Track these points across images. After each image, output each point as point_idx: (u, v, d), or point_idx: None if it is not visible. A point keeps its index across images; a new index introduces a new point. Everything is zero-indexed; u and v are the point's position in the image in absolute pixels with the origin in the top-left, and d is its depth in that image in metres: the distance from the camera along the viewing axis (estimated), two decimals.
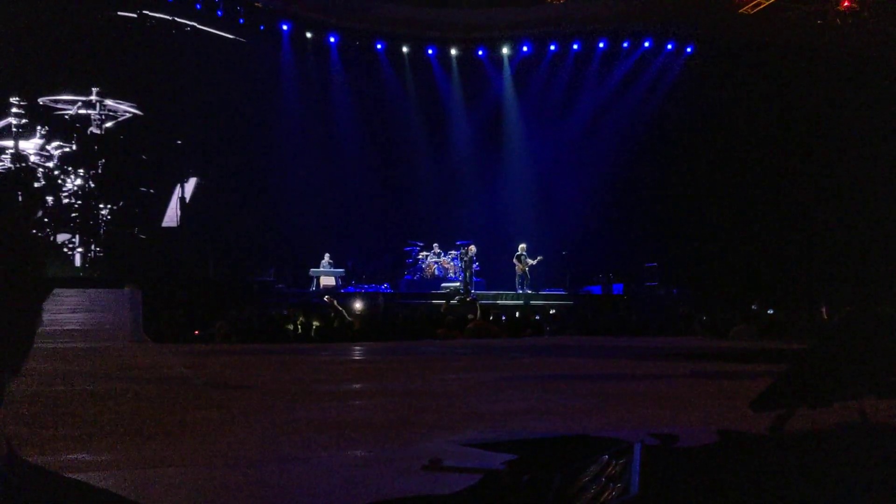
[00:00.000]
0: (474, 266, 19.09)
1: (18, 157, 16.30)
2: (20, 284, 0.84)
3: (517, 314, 14.30)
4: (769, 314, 13.66)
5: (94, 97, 17.19)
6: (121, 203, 17.59)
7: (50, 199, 16.59)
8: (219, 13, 19.93)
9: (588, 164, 21.85)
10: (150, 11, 18.78)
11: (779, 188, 20.09)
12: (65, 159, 16.93)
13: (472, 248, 18.97)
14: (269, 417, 3.40)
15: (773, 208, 20.26)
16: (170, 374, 5.25)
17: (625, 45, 22.59)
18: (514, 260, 19.21)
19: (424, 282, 19.76)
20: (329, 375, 5.49)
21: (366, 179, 21.67)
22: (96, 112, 17.28)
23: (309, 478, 2.29)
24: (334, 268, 19.42)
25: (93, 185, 17.12)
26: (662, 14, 22.07)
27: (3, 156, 16.42)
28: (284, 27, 21.28)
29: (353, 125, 22.03)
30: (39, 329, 0.88)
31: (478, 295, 17.53)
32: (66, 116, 17.22)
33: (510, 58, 22.94)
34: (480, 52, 22.88)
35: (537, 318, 14.07)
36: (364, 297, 16.42)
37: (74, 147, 17.02)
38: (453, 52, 22.59)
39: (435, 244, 20.23)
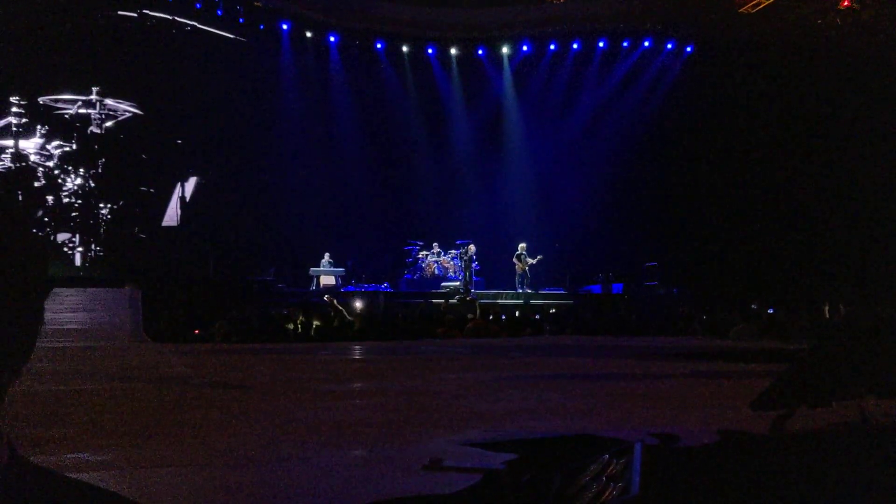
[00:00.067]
0: (474, 265, 19.09)
1: (18, 156, 16.30)
2: (21, 284, 0.83)
3: (517, 313, 14.30)
4: (769, 314, 13.66)
5: (94, 97, 17.20)
6: (121, 202, 17.60)
7: (50, 198, 16.61)
8: (219, 12, 19.91)
9: (588, 164, 21.84)
10: (150, 11, 18.77)
11: (779, 188, 20.09)
12: (65, 159, 16.94)
13: (472, 248, 18.96)
14: (269, 417, 3.40)
15: (773, 208, 20.26)
16: (170, 373, 5.25)
17: (625, 44, 22.58)
18: (514, 259, 19.21)
19: (424, 281, 19.75)
20: (329, 375, 5.49)
21: (366, 179, 21.65)
22: (96, 111, 17.29)
23: (309, 478, 2.29)
24: (334, 267, 19.42)
25: (93, 185, 17.13)
26: (662, 14, 22.07)
27: (3, 155, 16.43)
28: (284, 27, 21.26)
29: (353, 125, 22.01)
30: (41, 328, 0.88)
31: (477, 294, 17.53)
32: (66, 116, 17.23)
33: (510, 57, 22.93)
34: (480, 52, 22.87)
35: (537, 317, 14.07)
36: (364, 296, 16.42)
37: (74, 146, 17.03)
38: (453, 51, 22.59)
39: (435, 243, 20.23)
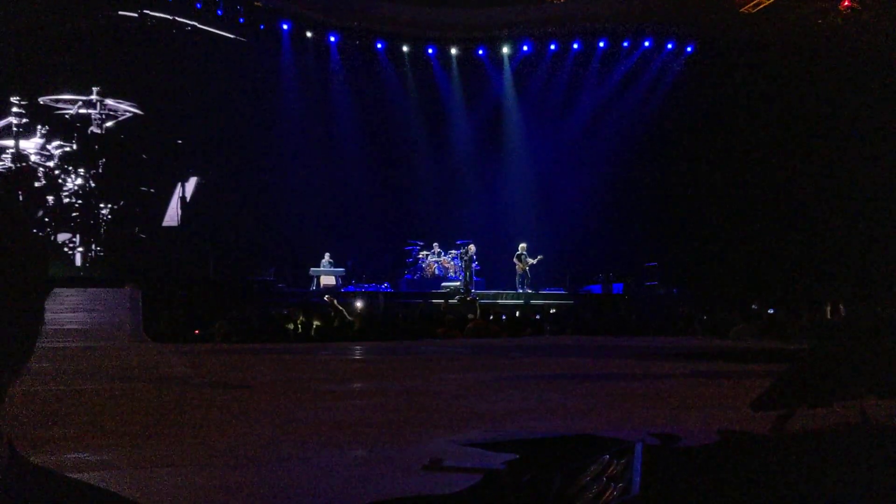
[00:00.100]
0: (474, 265, 19.08)
1: (19, 156, 16.30)
2: (21, 284, 0.83)
3: (517, 313, 14.30)
4: (769, 314, 13.65)
5: (94, 97, 17.20)
6: (121, 202, 17.60)
7: (50, 198, 16.61)
8: (219, 12, 19.92)
9: (588, 163, 21.85)
10: (150, 11, 18.77)
11: (779, 188, 20.09)
12: (65, 159, 16.94)
13: (472, 248, 18.95)
14: (269, 417, 3.40)
15: (773, 208, 20.26)
16: (170, 373, 5.25)
17: (625, 44, 22.58)
18: (515, 259, 19.21)
19: (424, 281, 19.76)
20: (329, 375, 5.49)
21: (366, 179, 21.65)
22: (96, 112, 17.30)
23: (309, 478, 2.29)
24: (334, 267, 19.43)
25: (93, 185, 17.13)
26: (662, 14, 22.06)
27: (4, 155, 16.43)
28: (284, 26, 21.27)
29: (353, 125, 22.01)
30: (42, 328, 0.88)
31: (477, 294, 17.53)
32: (67, 116, 17.23)
33: (510, 57, 22.93)
34: (480, 52, 22.87)
35: (537, 317, 14.06)
36: (364, 296, 16.42)
37: (75, 146, 17.03)
38: (453, 51, 22.59)
39: (435, 243, 20.23)
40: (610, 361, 6.53)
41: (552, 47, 22.66)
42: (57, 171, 16.77)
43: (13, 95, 16.33)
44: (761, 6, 21.08)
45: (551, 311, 15.70)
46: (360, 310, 12.95)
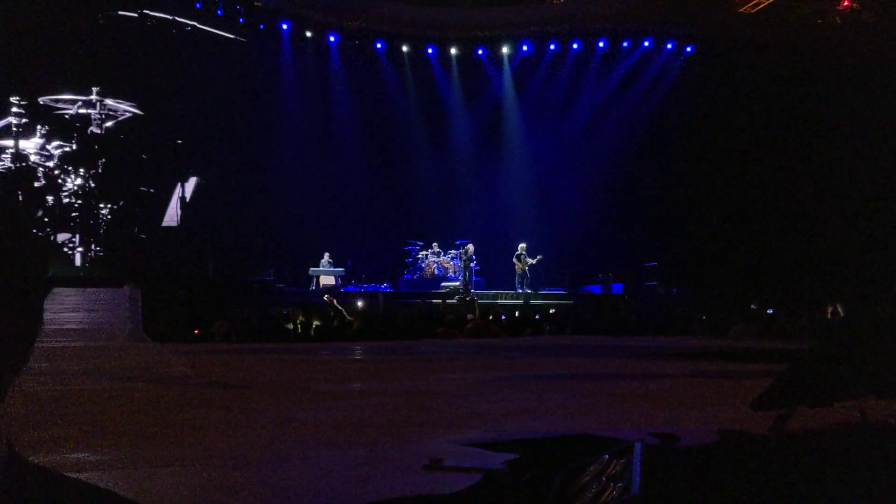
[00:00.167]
0: (473, 265, 19.07)
1: (18, 156, 16.29)
2: (21, 284, 0.83)
3: (517, 313, 14.29)
4: (769, 314, 13.66)
5: (94, 97, 17.19)
6: (121, 202, 17.58)
7: (50, 198, 16.59)
8: (219, 12, 19.91)
9: (588, 163, 21.84)
10: (150, 11, 18.76)
11: (778, 188, 20.09)
12: (65, 159, 16.93)
13: (470, 248, 18.94)
14: (269, 417, 3.40)
15: (773, 208, 20.27)
16: (170, 373, 5.25)
17: (625, 44, 22.57)
18: (514, 259, 19.20)
19: (424, 281, 19.76)
20: (329, 375, 5.49)
21: (366, 179, 21.64)
22: (96, 111, 17.28)
23: (309, 478, 2.29)
24: (334, 267, 19.43)
25: (93, 185, 17.12)
26: (662, 14, 22.07)
27: (4, 155, 16.42)
28: (284, 26, 21.26)
29: (353, 125, 22.00)
30: (41, 328, 0.88)
31: (476, 294, 17.52)
32: (66, 116, 17.22)
33: (510, 57, 22.92)
34: (480, 52, 22.86)
35: (537, 317, 14.06)
36: (364, 296, 16.41)
37: (74, 146, 17.02)
38: (453, 51, 22.58)
39: (434, 243, 20.23)
40: (609, 361, 6.53)
41: (552, 47, 22.64)
42: (57, 171, 16.75)
43: (13, 95, 16.32)
44: (760, 6, 21.10)
45: (551, 311, 15.69)
46: (360, 308, 12.95)
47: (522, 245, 19.17)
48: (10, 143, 16.34)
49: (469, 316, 11.63)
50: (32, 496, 0.86)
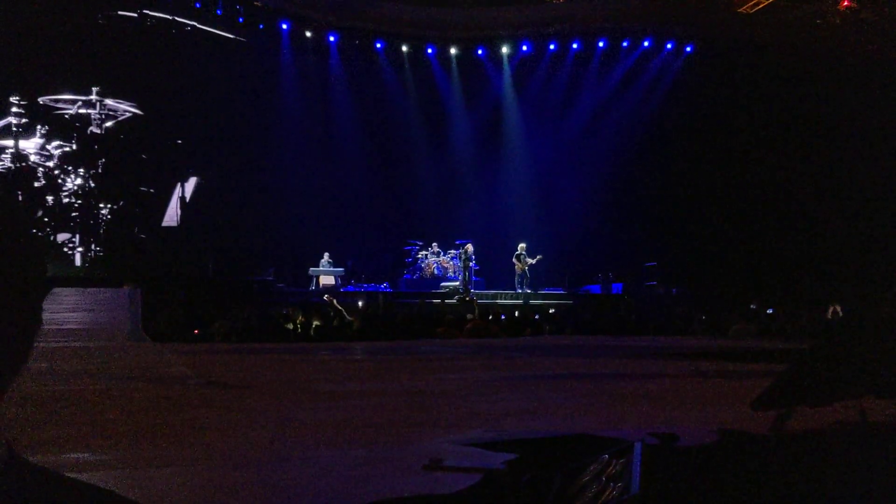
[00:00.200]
0: (472, 265, 19.06)
1: (18, 156, 16.29)
2: (20, 284, 0.83)
3: (516, 313, 14.30)
4: (769, 314, 13.67)
5: (94, 97, 17.19)
6: (121, 202, 17.58)
7: (50, 198, 16.59)
8: (218, 12, 19.91)
9: (588, 163, 21.84)
10: (150, 11, 18.76)
11: (778, 188, 20.10)
12: (65, 159, 16.92)
13: (469, 247, 18.93)
14: (269, 417, 3.40)
15: (773, 208, 20.27)
16: (170, 373, 5.25)
17: (624, 44, 22.58)
18: (514, 259, 19.21)
19: (424, 281, 19.76)
20: (329, 375, 5.49)
21: (366, 179, 21.65)
22: (96, 111, 17.28)
23: (309, 478, 2.29)
24: (334, 267, 19.43)
25: (93, 185, 17.12)
26: (662, 14, 22.06)
27: (3, 155, 16.42)
28: (284, 26, 21.26)
29: (353, 125, 22.00)
30: (40, 328, 0.88)
31: (476, 294, 17.52)
32: (66, 116, 17.22)
33: (510, 57, 22.92)
34: (480, 52, 22.86)
35: (537, 317, 14.06)
36: (364, 296, 16.41)
37: (74, 146, 17.02)
38: (453, 51, 22.58)
39: (434, 243, 20.24)
40: (609, 361, 6.53)
41: (552, 47, 22.65)
42: (57, 171, 16.75)
43: (13, 95, 16.32)
44: (760, 6, 21.09)
45: (550, 311, 15.70)
46: (360, 309, 12.96)
47: (522, 245, 19.17)
48: (10, 142, 16.33)
49: (469, 316, 11.64)
50: (32, 496, 0.86)
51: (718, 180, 20.51)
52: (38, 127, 16.69)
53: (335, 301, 11.84)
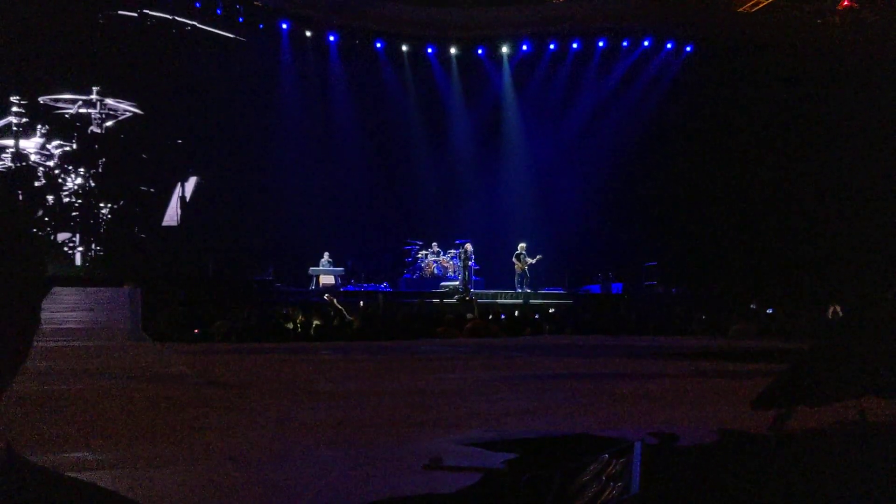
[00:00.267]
0: (471, 265, 19.05)
1: (18, 156, 16.30)
2: (20, 284, 0.83)
3: (516, 313, 14.30)
4: (768, 313, 13.67)
5: (94, 97, 17.20)
6: (121, 202, 17.60)
7: (50, 198, 16.61)
8: (218, 11, 19.91)
9: (588, 163, 21.84)
10: (150, 11, 18.77)
11: (778, 188, 20.10)
12: (65, 158, 16.94)
13: (469, 247, 18.92)
14: (269, 417, 3.40)
15: (773, 208, 20.27)
16: (169, 373, 5.25)
17: (624, 44, 22.57)
18: (514, 259, 19.20)
19: (424, 281, 19.75)
20: (329, 374, 5.49)
21: (365, 179, 21.64)
22: (96, 111, 17.29)
23: (309, 478, 2.29)
24: (334, 266, 19.43)
25: (93, 184, 17.13)
26: (662, 14, 22.06)
27: (4, 155, 16.43)
28: (284, 26, 21.26)
29: (353, 124, 22.00)
30: (38, 328, 0.88)
31: (475, 294, 17.52)
32: (67, 115, 17.23)
33: (510, 57, 22.92)
34: (480, 51, 22.86)
35: (536, 317, 14.06)
36: (363, 295, 16.41)
37: (75, 146, 17.03)
38: (453, 50, 22.58)
39: (434, 243, 20.24)
40: (609, 361, 6.53)
41: (551, 47, 22.64)
42: (57, 171, 16.77)
43: (13, 95, 16.33)
44: (760, 6, 21.09)
45: (550, 311, 15.70)
46: (360, 309, 12.96)
47: (522, 245, 19.16)
48: (10, 142, 16.35)
49: (468, 315, 11.64)
50: (32, 496, 0.86)
51: (718, 180, 20.52)
52: (39, 126, 16.71)
53: (335, 300, 11.84)
